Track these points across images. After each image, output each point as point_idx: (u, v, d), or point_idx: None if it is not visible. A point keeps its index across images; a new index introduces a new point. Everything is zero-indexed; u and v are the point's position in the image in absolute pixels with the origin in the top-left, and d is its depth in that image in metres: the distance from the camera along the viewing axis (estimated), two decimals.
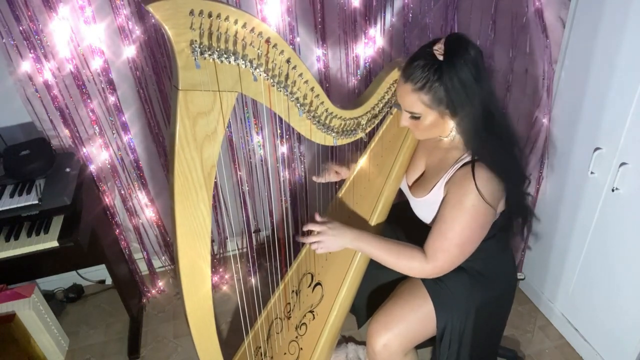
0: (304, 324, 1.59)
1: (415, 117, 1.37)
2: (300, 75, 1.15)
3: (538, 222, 2.11)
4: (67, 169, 1.92)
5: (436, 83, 1.27)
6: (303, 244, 1.70)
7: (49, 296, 2.49)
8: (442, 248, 1.36)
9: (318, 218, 1.48)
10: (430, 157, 1.55)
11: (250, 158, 2.28)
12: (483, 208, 1.32)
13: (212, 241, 2.58)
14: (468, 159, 1.37)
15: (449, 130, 1.40)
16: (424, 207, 1.51)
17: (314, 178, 1.72)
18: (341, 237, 1.43)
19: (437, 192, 1.43)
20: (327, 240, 1.43)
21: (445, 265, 1.39)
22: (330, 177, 1.73)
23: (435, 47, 1.27)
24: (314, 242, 1.44)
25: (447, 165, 1.43)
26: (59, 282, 2.57)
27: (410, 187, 1.59)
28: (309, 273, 1.66)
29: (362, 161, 1.69)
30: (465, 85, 1.26)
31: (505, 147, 1.38)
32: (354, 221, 1.62)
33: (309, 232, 1.46)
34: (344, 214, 1.67)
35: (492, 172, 1.32)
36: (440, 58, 1.26)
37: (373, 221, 1.57)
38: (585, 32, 1.71)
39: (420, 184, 1.55)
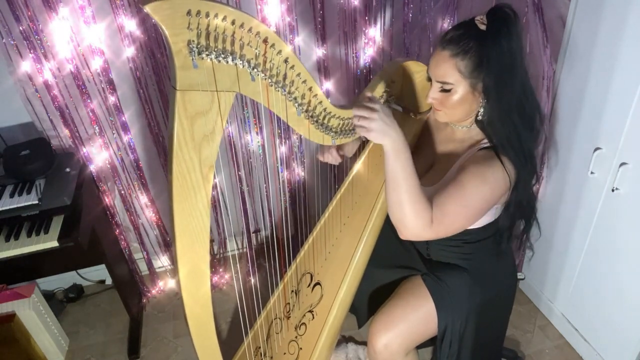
0: (304, 323, 1.59)
1: (445, 90, 1.32)
2: (299, 75, 1.14)
3: (539, 235, 2.07)
4: (67, 169, 1.93)
5: (475, 51, 1.24)
6: (302, 243, 1.71)
7: (49, 296, 2.50)
8: (451, 212, 1.28)
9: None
10: (440, 149, 1.53)
11: (250, 158, 2.28)
12: (502, 186, 1.29)
13: (212, 241, 2.59)
14: (487, 144, 1.35)
15: (472, 114, 1.37)
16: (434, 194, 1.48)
17: (317, 155, 1.67)
18: (389, 130, 1.21)
19: (451, 175, 1.39)
20: (377, 123, 1.20)
21: (445, 231, 1.30)
22: (331, 157, 1.63)
23: (477, 18, 1.25)
24: (363, 118, 1.21)
25: (462, 152, 1.40)
26: (59, 282, 2.58)
27: None
28: (309, 273, 1.66)
29: (361, 162, 1.69)
30: (506, 56, 1.23)
31: (527, 137, 1.32)
32: (353, 221, 1.62)
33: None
34: (343, 213, 1.67)
35: (511, 159, 1.29)
36: (482, 27, 1.24)
37: (372, 220, 1.57)
38: (585, 32, 1.71)
39: (432, 173, 1.52)
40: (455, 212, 1.29)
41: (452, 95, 1.32)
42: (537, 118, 1.35)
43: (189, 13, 0.89)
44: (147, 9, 0.84)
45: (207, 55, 0.96)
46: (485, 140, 1.37)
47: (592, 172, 1.77)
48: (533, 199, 1.48)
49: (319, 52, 2.12)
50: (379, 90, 1.47)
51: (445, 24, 2.13)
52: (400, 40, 2.20)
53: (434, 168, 1.54)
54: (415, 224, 1.27)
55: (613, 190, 1.69)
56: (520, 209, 1.41)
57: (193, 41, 0.93)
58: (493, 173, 1.29)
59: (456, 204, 1.29)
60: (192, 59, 0.94)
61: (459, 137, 1.46)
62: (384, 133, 1.21)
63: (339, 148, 1.65)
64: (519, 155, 1.30)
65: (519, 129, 1.29)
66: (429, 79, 1.37)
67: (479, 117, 1.37)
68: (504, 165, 1.28)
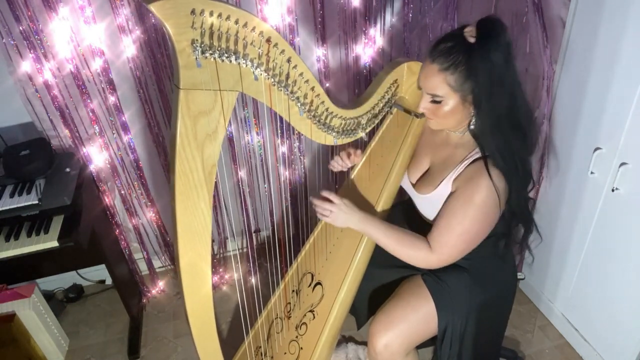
0: (304, 323, 1.59)
1: (436, 102, 1.34)
2: (301, 74, 1.15)
3: (540, 240, 2.06)
4: (67, 169, 1.92)
5: (465, 65, 1.24)
6: (304, 243, 1.71)
7: (49, 296, 2.49)
8: (449, 243, 1.37)
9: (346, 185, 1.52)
10: (435, 154, 1.54)
11: (250, 158, 2.28)
12: (493, 204, 1.32)
13: (212, 241, 2.58)
14: (477, 155, 1.36)
15: (465, 122, 1.38)
16: (429, 204, 1.50)
17: (330, 167, 1.70)
18: (350, 215, 1.44)
19: (444, 188, 1.42)
20: (337, 213, 1.43)
21: (450, 258, 1.40)
22: (343, 163, 1.67)
23: (466, 30, 1.25)
24: (326, 210, 1.44)
25: (454, 162, 1.42)
26: (59, 282, 2.57)
27: (414, 185, 1.58)
28: (309, 273, 1.66)
29: (362, 162, 1.69)
30: (495, 69, 1.23)
31: (519, 146, 1.34)
32: None
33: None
34: None
35: (502, 170, 1.31)
36: (471, 40, 1.24)
37: None
38: (585, 32, 1.72)
39: (426, 180, 1.54)
40: (452, 241, 1.37)
41: (442, 106, 1.34)
42: (530, 128, 1.36)
43: (192, 12, 0.90)
44: (152, 7, 0.84)
45: (211, 54, 0.96)
46: (477, 150, 1.38)
47: (592, 172, 1.77)
48: (527, 206, 1.49)
49: (319, 52, 2.12)
50: (380, 91, 1.47)
51: (446, 24, 2.13)
52: (400, 40, 2.20)
53: (429, 172, 1.56)
54: (417, 258, 1.42)
55: (613, 190, 1.69)
56: (515, 217, 1.44)
57: (197, 40, 0.93)
58: (480, 194, 1.32)
59: (451, 234, 1.37)
60: (196, 58, 0.94)
61: (453, 142, 1.47)
62: (345, 220, 1.45)
63: (348, 155, 1.67)
64: (510, 165, 1.31)
65: (510, 139, 1.31)
66: (420, 88, 1.39)
67: (471, 127, 1.39)
68: (492, 180, 1.30)
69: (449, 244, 1.37)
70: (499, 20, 1.25)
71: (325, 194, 1.46)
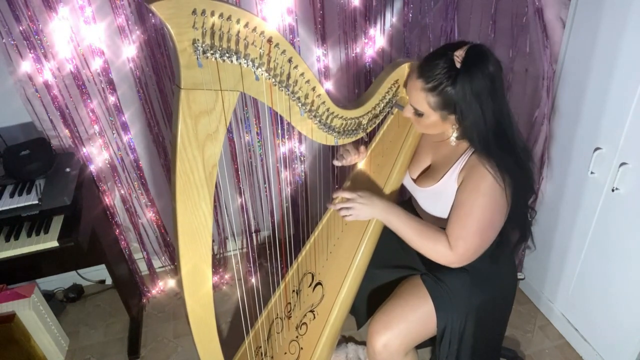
0: (305, 323, 1.59)
1: (418, 114, 1.38)
2: (302, 74, 1.15)
3: (533, 249, 2.09)
4: (67, 169, 1.92)
5: (447, 88, 1.26)
6: (304, 242, 1.71)
7: (49, 296, 2.49)
8: (461, 236, 1.36)
9: (348, 185, 1.52)
10: (437, 151, 1.55)
11: (250, 158, 2.28)
12: (500, 190, 1.31)
13: (212, 241, 2.57)
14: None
15: (450, 131, 1.41)
16: (430, 197, 1.51)
17: (335, 162, 1.68)
18: (372, 206, 1.44)
19: (448, 181, 1.43)
20: (357, 207, 1.44)
21: (467, 253, 1.38)
22: (350, 159, 1.65)
23: (456, 54, 1.25)
24: (345, 209, 1.45)
25: (457, 155, 1.43)
26: (59, 282, 2.57)
27: (415, 180, 1.59)
28: (310, 273, 1.66)
29: (363, 162, 1.69)
30: (476, 97, 1.25)
31: (513, 160, 1.35)
32: (354, 221, 1.62)
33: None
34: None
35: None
36: (458, 65, 1.25)
37: (373, 221, 1.57)
38: (585, 32, 1.72)
39: (428, 175, 1.55)
40: (466, 234, 1.36)
41: (424, 119, 1.38)
42: (518, 149, 1.37)
43: (194, 12, 0.90)
44: (153, 7, 0.84)
45: (212, 54, 0.96)
46: None
47: (592, 172, 1.77)
48: (526, 215, 1.52)
49: (318, 52, 2.12)
50: (381, 92, 1.47)
51: (445, 24, 2.13)
52: (400, 40, 2.20)
53: (431, 168, 1.56)
54: (437, 253, 1.41)
55: (613, 190, 1.70)
56: (511, 222, 1.45)
57: (198, 40, 0.93)
58: (485, 181, 1.32)
59: (463, 226, 1.36)
60: (197, 57, 0.94)
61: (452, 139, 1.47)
62: (368, 212, 1.45)
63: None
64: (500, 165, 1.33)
65: (500, 161, 1.32)
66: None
67: (456, 136, 1.41)
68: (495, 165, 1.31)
69: (462, 238, 1.36)
70: (487, 49, 1.27)
71: (337, 193, 1.47)
